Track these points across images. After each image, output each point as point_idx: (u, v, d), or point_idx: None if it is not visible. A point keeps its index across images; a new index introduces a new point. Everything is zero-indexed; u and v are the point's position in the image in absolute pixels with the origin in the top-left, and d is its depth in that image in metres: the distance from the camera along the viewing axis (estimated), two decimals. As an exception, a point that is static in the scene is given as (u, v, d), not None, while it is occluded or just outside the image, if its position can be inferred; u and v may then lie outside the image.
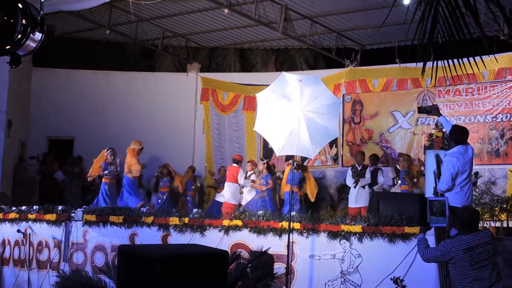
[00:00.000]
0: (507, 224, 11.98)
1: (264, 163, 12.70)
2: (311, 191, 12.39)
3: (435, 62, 4.68)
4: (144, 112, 16.97)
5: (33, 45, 4.92)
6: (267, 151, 15.41)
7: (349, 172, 12.46)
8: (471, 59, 4.66)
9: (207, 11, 14.86)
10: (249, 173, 13.23)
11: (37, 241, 9.83)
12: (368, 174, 12.15)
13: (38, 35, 4.89)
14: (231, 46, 17.94)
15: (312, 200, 12.35)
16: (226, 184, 13.20)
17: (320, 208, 13.06)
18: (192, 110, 17.45)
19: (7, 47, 4.70)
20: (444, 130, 12.39)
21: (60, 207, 9.87)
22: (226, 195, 13.09)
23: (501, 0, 4.30)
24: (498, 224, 11.93)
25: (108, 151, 12.35)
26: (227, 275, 4.61)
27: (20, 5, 4.60)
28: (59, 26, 15.90)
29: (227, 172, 13.52)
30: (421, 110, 8.94)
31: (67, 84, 17.13)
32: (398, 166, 12.62)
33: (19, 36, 4.68)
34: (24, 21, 4.66)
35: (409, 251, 6.91)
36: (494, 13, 4.54)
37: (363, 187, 12.06)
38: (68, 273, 6.77)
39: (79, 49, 17.95)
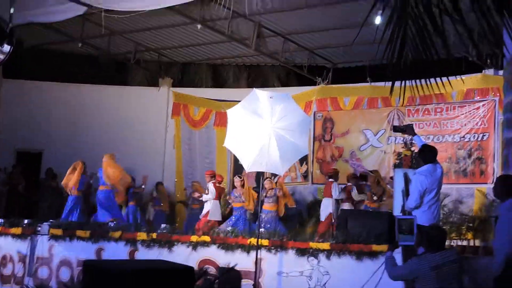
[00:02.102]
0: (474, 243, 12.11)
1: (241, 180, 12.67)
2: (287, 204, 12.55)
3: (403, 81, 4.73)
4: (115, 126, 16.85)
5: (1, 56, 4.88)
6: (238, 167, 15.36)
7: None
8: (438, 79, 4.72)
9: (180, 26, 14.86)
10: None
11: (1, 255, 9.64)
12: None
13: (6, 47, 4.85)
14: (203, 62, 17.95)
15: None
16: (211, 202, 13.14)
17: (289, 225, 13.04)
18: (163, 124, 17.39)
19: (-25, 59, 4.65)
20: (413, 149, 12.56)
21: (26, 221, 9.71)
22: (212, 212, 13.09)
23: (470, 23, 4.37)
24: (465, 243, 12.05)
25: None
26: (193, 291, 4.57)
27: (-12, 17, 4.57)
28: (31, 38, 15.75)
29: (213, 189, 13.44)
30: (396, 129, 9.02)
31: (38, 96, 16.99)
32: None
33: (-13, 48, 4.64)
34: (-8, 33, 4.62)
35: (376, 269, 6.92)
36: (461, 35, 4.61)
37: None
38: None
39: (51, 61, 17.77)
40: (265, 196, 11.95)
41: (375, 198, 12.04)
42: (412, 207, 7.36)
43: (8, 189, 15.22)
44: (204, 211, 13.08)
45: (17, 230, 9.53)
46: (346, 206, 12.40)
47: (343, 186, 12.60)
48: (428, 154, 7.60)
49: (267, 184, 12.05)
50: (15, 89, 16.79)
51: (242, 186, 12.57)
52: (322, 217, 12.60)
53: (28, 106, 16.74)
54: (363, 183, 12.72)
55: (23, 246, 9.41)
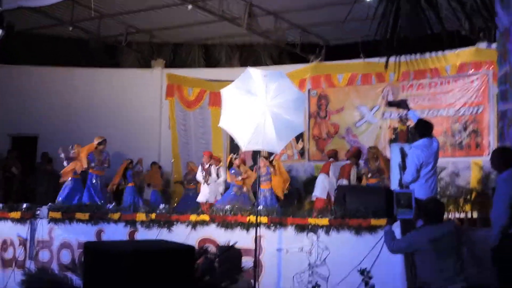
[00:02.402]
0: (471, 215, 12.21)
1: (240, 159, 13.03)
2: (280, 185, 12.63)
3: (398, 57, 4.74)
4: (109, 109, 16.83)
5: (-7, 41, 4.85)
6: (234, 147, 15.40)
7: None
8: (432, 53, 4.73)
9: (171, 7, 14.74)
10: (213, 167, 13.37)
11: (1, 240, 9.66)
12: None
13: (-2, 32, 4.83)
14: (195, 42, 17.87)
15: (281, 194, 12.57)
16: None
17: (287, 202, 13.12)
18: (158, 106, 17.38)
19: (-34, 44, 4.63)
20: (408, 123, 12.61)
21: (24, 205, 9.72)
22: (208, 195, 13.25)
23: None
24: (462, 215, 12.15)
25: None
26: (194, 270, 4.61)
27: (-22, 2, 4.54)
28: (20, 23, 15.61)
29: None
30: (390, 104, 9.03)
31: (30, 81, 16.92)
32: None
33: (-21, 33, 4.62)
34: (-18, 19, 4.60)
35: (376, 243, 6.97)
36: (454, 9, 4.62)
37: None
38: (33, 271, 6.67)
39: (42, 45, 17.66)
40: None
41: (369, 175, 12.07)
42: (409, 181, 7.41)
43: (3, 175, 15.21)
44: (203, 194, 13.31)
45: (16, 214, 9.53)
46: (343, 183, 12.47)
47: (344, 163, 12.63)
48: (423, 128, 7.64)
49: (261, 162, 12.15)
50: (6, 75, 16.74)
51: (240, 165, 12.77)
52: (317, 192, 12.67)
53: (20, 91, 16.70)
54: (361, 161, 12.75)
55: (23, 230, 9.42)
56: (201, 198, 13.46)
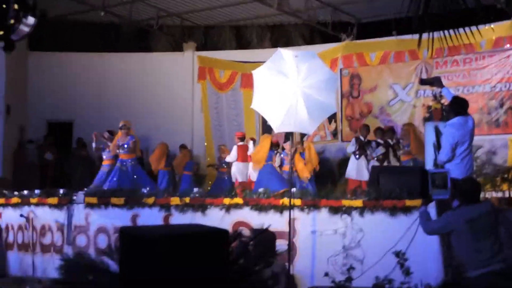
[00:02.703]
0: (509, 195, 12.00)
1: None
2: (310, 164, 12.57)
3: (431, 33, 4.65)
4: (142, 93, 16.94)
5: (26, 29, 4.88)
6: (266, 128, 15.37)
7: (352, 141, 12.66)
8: (467, 29, 4.62)
9: (201, -11, 14.74)
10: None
11: (40, 225, 9.85)
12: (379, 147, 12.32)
13: (30, 20, 4.86)
14: (226, 24, 17.82)
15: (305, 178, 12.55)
16: (235, 164, 13.30)
17: (320, 183, 13.10)
18: (190, 89, 17.42)
19: (0, 32, 4.67)
20: (443, 101, 12.41)
21: (61, 191, 9.87)
22: (237, 175, 13.23)
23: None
24: (500, 194, 11.95)
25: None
26: (228, 253, 4.61)
27: (11, -10, 4.57)
28: (53, 9, 15.75)
29: (235, 152, 13.59)
30: (423, 82, 8.89)
31: (63, 67, 17.12)
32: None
33: (12, 21, 4.65)
34: (16, 6, 4.62)
35: (411, 224, 6.88)
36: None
37: (359, 158, 12.27)
38: (70, 256, 6.77)
39: (74, 31, 17.81)
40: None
41: (401, 152, 11.94)
42: (445, 160, 7.28)
43: (39, 160, 15.46)
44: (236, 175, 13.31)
45: (54, 200, 9.70)
46: (361, 161, 12.41)
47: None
48: (458, 106, 7.49)
49: (286, 146, 12.11)
50: (41, 61, 16.94)
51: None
52: (350, 173, 12.62)
53: (54, 78, 16.89)
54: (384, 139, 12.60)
55: (60, 216, 9.58)
56: (232, 178, 13.51)
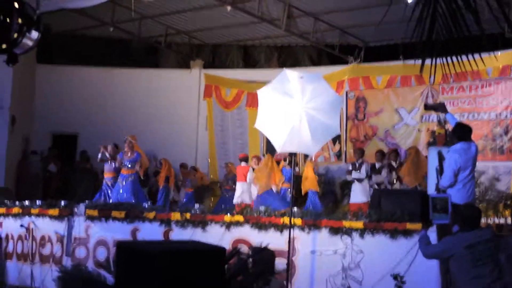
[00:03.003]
0: (511, 221, 11.95)
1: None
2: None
3: (434, 59, 4.67)
4: (148, 108, 17.00)
5: (30, 43, 4.93)
6: (270, 148, 15.39)
7: (349, 167, 12.79)
8: (470, 57, 4.64)
9: (210, 8, 14.84)
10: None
11: (40, 236, 9.85)
12: (363, 169, 12.28)
13: (34, 34, 4.90)
14: (234, 43, 17.93)
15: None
16: (238, 184, 13.35)
17: (323, 204, 13.10)
18: (195, 106, 17.47)
19: (3, 46, 4.71)
20: (447, 127, 12.41)
21: (62, 202, 9.88)
22: (238, 195, 13.29)
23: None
24: (502, 221, 11.90)
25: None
26: (224, 271, 4.61)
27: (16, 5, 4.61)
28: (62, 23, 15.91)
29: (237, 172, 13.71)
30: (427, 107, 8.90)
31: (71, 80, 17.21)
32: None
33: (15, 35, 4.69)
34: (20, 20, 4.67)
35: (411, 248, 6.87)
36: (494, 12, 4.53)
37: (360, 181, 12.30)
38: (68, 268, 6.77)
39: (83, 46, 17.98)
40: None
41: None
42: (446, 185, 7.27)
43: (43, 172, 15.49)
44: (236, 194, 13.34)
45: (55, 211, 9.70)
46: (364, 184, 12.43)
47: (378, 165, 12.56)
48: (461, 131, 7.50)
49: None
50: (49, 74, 17.05)
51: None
52: (354, 198, 12.58)
53: (62, 90, 16.98)
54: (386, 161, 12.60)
55: (60, 227, 9.58)
56: (236, 200, 13.48)
